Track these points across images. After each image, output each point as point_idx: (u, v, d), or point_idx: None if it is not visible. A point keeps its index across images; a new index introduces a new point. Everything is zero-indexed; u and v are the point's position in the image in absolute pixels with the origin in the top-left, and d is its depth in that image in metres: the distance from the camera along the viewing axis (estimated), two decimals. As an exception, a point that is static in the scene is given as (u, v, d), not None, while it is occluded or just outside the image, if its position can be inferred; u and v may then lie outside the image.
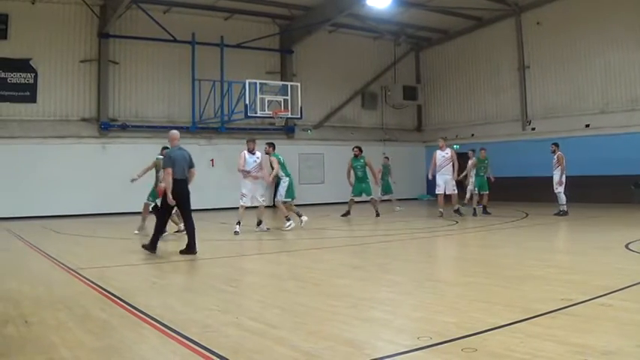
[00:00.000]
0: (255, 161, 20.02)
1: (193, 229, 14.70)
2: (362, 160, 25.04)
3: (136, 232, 18.94)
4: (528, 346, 5.99)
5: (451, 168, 23.85)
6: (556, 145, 23.65)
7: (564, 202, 22.98)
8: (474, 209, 24.33)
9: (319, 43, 36.66)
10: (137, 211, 19.17)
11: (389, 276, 11.41)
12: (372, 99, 40.08)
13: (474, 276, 10.73)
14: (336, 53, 37.63)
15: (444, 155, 24.06)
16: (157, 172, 19.01)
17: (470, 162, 25.63)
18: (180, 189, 14.39)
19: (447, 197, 23.72)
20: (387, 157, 29.70)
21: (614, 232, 17.39)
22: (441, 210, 23.77)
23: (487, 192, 25.05)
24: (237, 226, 19.30)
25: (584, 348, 5.89)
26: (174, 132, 14.99)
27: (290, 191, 21.09)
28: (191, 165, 14.79)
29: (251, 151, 20.41)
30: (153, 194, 19.11)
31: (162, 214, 14.77)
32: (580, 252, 13.91)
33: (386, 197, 28.36)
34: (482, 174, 24.98)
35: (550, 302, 7.90)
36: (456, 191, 24.19)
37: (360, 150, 25.23)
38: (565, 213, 22.90)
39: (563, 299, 8.05)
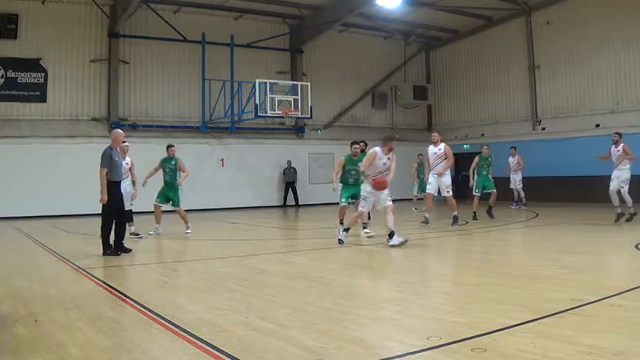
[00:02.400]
0: (385, 164, 17.60)
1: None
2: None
3: (151, 232, 18.98)
4: (538, 347, 5.97)
5: (443, 166, 20.63)
6: (619, 134, 20.48)
7: (631, 202, 19.71)
8: (475, 213, 22.74)
9: (329, 42, 36.71)
10: (148, 211, 19.15)
11: (398, 276, 11.41)
12: (382, 99, 40.08)
13: (484, 276, 10.72)
14: (346, 53, 37.67)
15: (435, 152, 20.81)
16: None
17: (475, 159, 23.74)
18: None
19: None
20: (421, 155, 29.46)
21: (625, 232, 17.35)
22: (426, 215, 20.77)
23: (494, 190, 23.13)
24: (343, 232, 16.37)
25: (595, 348, 5.88)
26: (114, 131, 15.25)
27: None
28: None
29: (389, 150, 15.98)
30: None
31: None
32: (590, 252, 13.86)
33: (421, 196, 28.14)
34: (484, 173, 23.23)
35: (560, 302, 7.88)
36: (451, 194, 20.85)
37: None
38: (634, 214, 19.54)
39: (573, 299, 8.02)
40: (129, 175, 17.81)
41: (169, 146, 19.93)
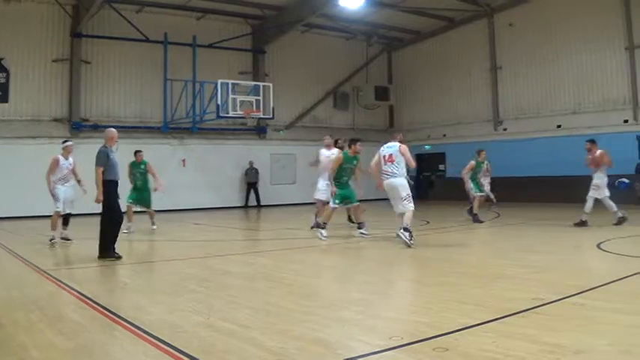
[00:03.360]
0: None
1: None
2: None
3: (125, 231, 19.07)
4: (500, 346, 6.03)
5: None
6: (592, 141, 19.50)
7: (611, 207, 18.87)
8: (476, 215, 21.72)
9: (292, 43, 36.72)
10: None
11: (361, 276, 11.44)
12: (344, 99, 40.20)
13: (446, 276, 10.77)
14: (308, 53, 37.76)
15: (328, 156, 19.50)
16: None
17: (468, 164, 22.67)
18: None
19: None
20: None
21: (586, 231, 17.47)
22: (319, 220, 18.20)
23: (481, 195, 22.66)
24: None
25: (557, 347, 5.94)
26: (108, 130, 14.55)
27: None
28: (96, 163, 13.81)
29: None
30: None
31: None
32: (552, 252, 13.95)
33: None
34: (476, 178, 22.65)
35: (522, 302, 7.96)
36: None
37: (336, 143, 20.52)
38: (623, 219, 18.58)
39: (534, 298, 8.10)
40: (72, 176, 17.45)
41: (137, 152, 20.19)
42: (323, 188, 19.10)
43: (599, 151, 19.04)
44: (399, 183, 15.22)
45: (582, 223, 18.62)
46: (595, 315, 7.34)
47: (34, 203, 26.28)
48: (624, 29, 28.73)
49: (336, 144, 20.29)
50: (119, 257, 13.48)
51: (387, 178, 15.45)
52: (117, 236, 13.87)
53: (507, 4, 33.65)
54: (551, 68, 31.94)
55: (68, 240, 17.16)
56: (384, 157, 15.57)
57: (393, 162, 15.28)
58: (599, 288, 8.91)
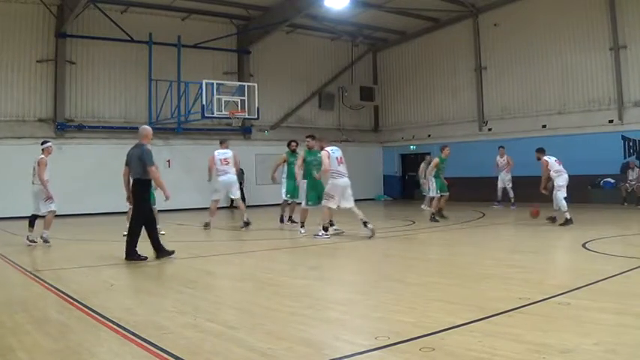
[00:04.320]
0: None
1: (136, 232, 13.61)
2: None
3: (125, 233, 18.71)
4: (486, 345, 6.05)
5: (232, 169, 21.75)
6: (539, 150, 20.93)
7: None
8: (433, 215, 22.03)
9: (277, 43, 36.64)
10: (92, 213, 18.95)
11: (346, 276, 11.46)
12: (329, 100, 40.14)
13: (432, 276, 10.81)
14: (293, 54, 37.75)
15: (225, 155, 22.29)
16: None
17: (432, 162, 23.14)
18: (134, 189, 13.72)
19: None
20: (429, 155, 30.22)
21: (571, 231, 17.49)
22: (208, 222, 21.85)
23: (448, 194, 22.99)
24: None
25: (542, 346, 5.95)
26: (144, 128, 14.41)
27: None
28: (144, 163, 13.56)
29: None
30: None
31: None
32: (537, 251, 13.99)
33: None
34: (441, 175, 22.62)
35: (508, 301, 7.99)
36: (239, 196, 22.14)
37: (297, 143, 22.75)
38: (554, 219, 19.85)
39: (520, 298, 8.13)
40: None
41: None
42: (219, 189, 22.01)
43: (544, 158, 20.27)
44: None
45: (568, 222, 18.79)
46: (581, 314, 7.37)
47: (21, 204, 26.16)
48: (609, 29, 28.83)
49: (289, 145, 22.66)
50: (145, 258, 13.34)
51: (343, 177, 17.09)
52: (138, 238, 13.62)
53: (492, 5, 33.69)
54: (536, 68, 31.99)
55: (34, 242, 16.75)
56: (337, 158, 17.14)
57: (344, 163, 17.16)
58: (584, 287, 8.94)
